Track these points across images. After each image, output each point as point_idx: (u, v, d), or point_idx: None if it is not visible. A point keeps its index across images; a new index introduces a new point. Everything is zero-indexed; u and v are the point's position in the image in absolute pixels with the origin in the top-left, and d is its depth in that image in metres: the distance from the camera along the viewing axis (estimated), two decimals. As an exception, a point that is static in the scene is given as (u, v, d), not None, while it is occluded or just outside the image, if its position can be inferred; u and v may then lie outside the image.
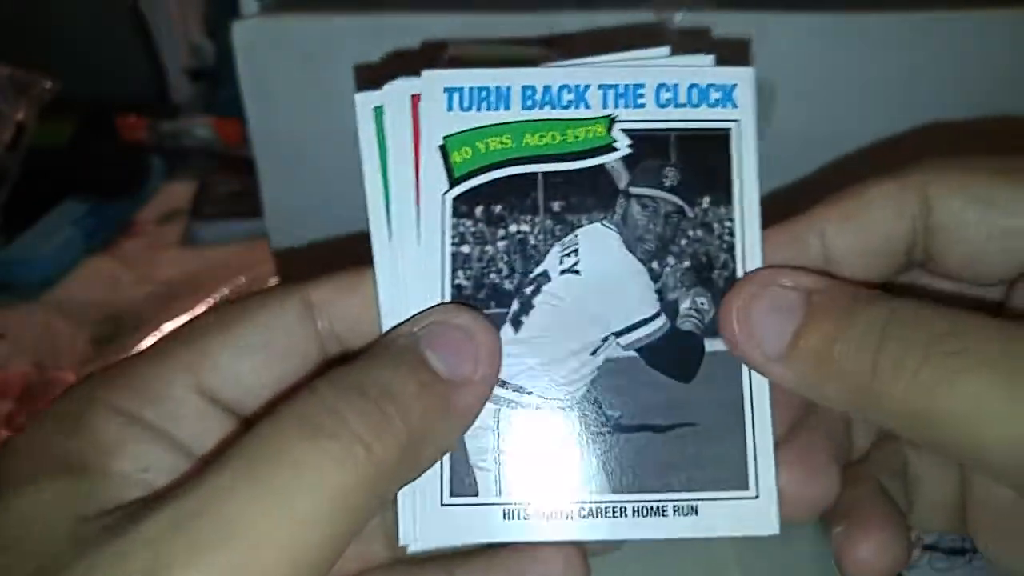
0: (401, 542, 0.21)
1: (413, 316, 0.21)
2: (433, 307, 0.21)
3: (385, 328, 0.21)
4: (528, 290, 0.22)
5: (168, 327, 0.56)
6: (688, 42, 0.23)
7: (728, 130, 0.22)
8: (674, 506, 0.21)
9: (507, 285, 0.22)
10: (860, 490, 0.22)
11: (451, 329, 0.20)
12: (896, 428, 0.18)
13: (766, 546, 0.37)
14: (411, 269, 0.21)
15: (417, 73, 0.22)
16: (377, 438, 0.17)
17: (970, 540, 0.24)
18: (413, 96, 0.22)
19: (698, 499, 0.21)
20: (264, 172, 0.40)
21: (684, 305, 0.22)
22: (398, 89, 0.22)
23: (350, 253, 0.22)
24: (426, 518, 0.21)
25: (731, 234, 0.22)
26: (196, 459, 0.19)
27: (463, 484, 0.21)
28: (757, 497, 0.21)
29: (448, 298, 0.21)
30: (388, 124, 0.22)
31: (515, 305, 0.22)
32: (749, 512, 0.21)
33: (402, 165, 0.22)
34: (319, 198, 0.40)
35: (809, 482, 0.21)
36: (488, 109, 0.22)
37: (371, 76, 0.22)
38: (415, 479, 0.20)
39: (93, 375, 0.20)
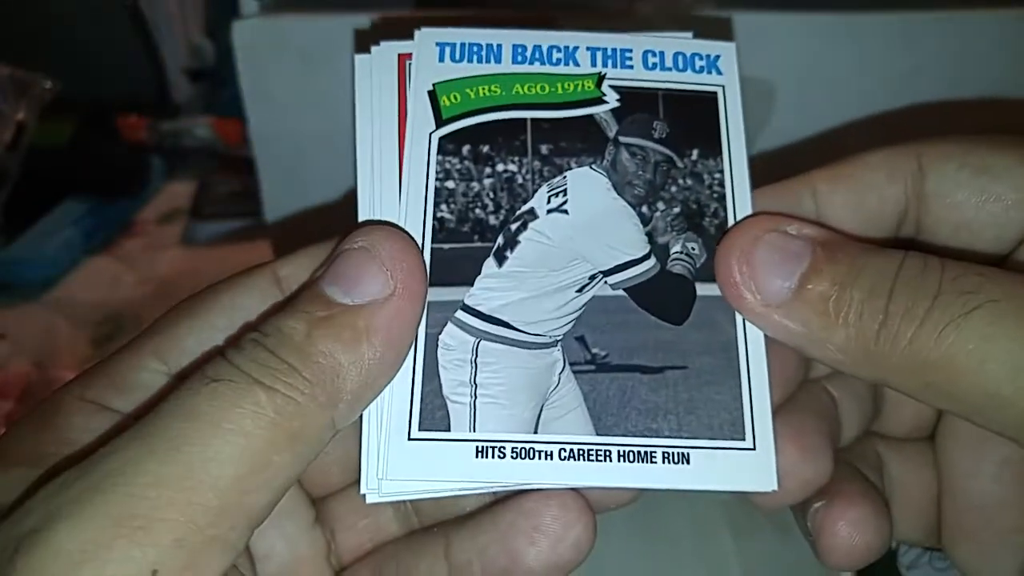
0: (361, 490, 0.20)
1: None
2: (341, 237, 0.20)
3: None
4: (514, 226, 0.22)
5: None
6: (669, 23, 0.24)
7: (715, 92, 0.23)
8: (664, 453, 0.20)
9: (492, 220, 0.22)
10: (839, 472, 0.21)
11: (352, 253, 0.19)
12: (899, 382, 0.18)
13: (766, 546, 0.37)
14: (390, 208, 0.21)
15: (409, 36, 0.22)
16: (274, 379, 0.17)
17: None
18: (400, 55, 0.22)
19: (690, 447, 0.20)
20: (264, 172, 0.40)
21: (675, 249, 0.22)
22: (386, 48, 0.22)
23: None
24: (391, 455, 0.20)
25: (721, 185, 0.22)
26: None
27: (434, 418, 0.20)
28: (754, 449, 0.20)
29: (429, 230, 0.21)
30: (375, 79, 0.22)
31: (500, 240, 0.22)
32: (746, 465, 0.20)
33: (387, 116, 0.22)
34: (319, 198, 0.40)
35: (804, 461, 0.20)
36: (479, 62, 0.22)
37: (369, 40, 0.22)
38: (354, 412, 0.19)
39: (78, 375, 0.20)
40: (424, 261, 0.20)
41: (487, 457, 0.20)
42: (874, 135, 0.38)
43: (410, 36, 0.23)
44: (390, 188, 0.22)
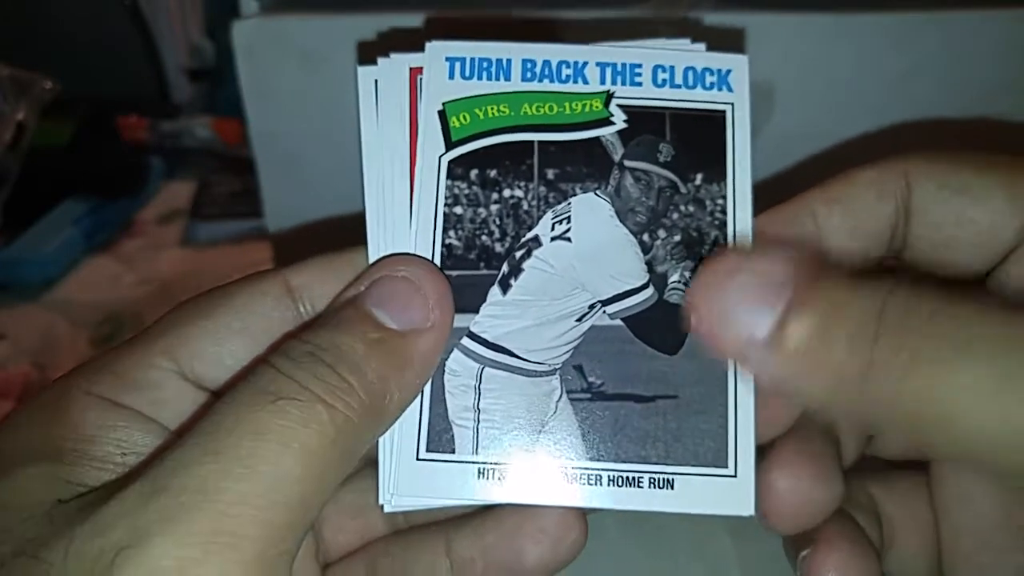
0: (379, 501, 0.21)
1: (360, 273, 0.21)
2: (376, 261, 0.21)
3: None
4: (519, 254, 0.22)
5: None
6: (680, 31, 0.24)
7: (723, 112, 0.22)
8: (650, 478, 0.21)
9: (498, 248, 0.22)
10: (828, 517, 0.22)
11: (397, 281, 0.20)
12: (886, 424, 0.18)
13: (766, 546, 0.37)
14: (401, 231, 0.22)
15: (420, 48, 0.22)
16: (336, 398, 0.18)
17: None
18: (412, 69, 0.22)
19: (675, 472, 0.21)
20: (264, 172, 0.40)
21: (672, 278, 0.22)
22: (396, 61, 0.22)
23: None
24: (401, 473, 0.21)
25: (723, 212, 0.22)
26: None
27: (440, 440, 0.21)
28: (735, 476, 0.21)
29: (438, 257, 0.22)
30: (383, 94, 0.22)
31: (505, 267, 0.22)
32: (726, 491, 0.21)
33: (398, 135, 0.22)
34: (319, 198, 0.40)
35: (817, 485, 0.21)
36: (488, 79, 0.22)
37: (372, 52, 0.22)
38: (383, 433, 0.20)
39: (76, 368, 0.20)
40: (451, 295, 0.21)
41: (488, 479, 0.21)
42: (869, 150, 0.38)
43: (419, 47, 0.23)
44: (401, 206, 0.22)
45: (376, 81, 0.22)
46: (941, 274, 0.21)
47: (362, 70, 0.22)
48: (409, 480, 0.21)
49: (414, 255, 0.21)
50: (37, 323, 0.56)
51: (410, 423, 0.21)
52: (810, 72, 0.37)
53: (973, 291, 0.18)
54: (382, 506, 0.21)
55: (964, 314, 0.16)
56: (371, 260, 0.21)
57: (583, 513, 0.22)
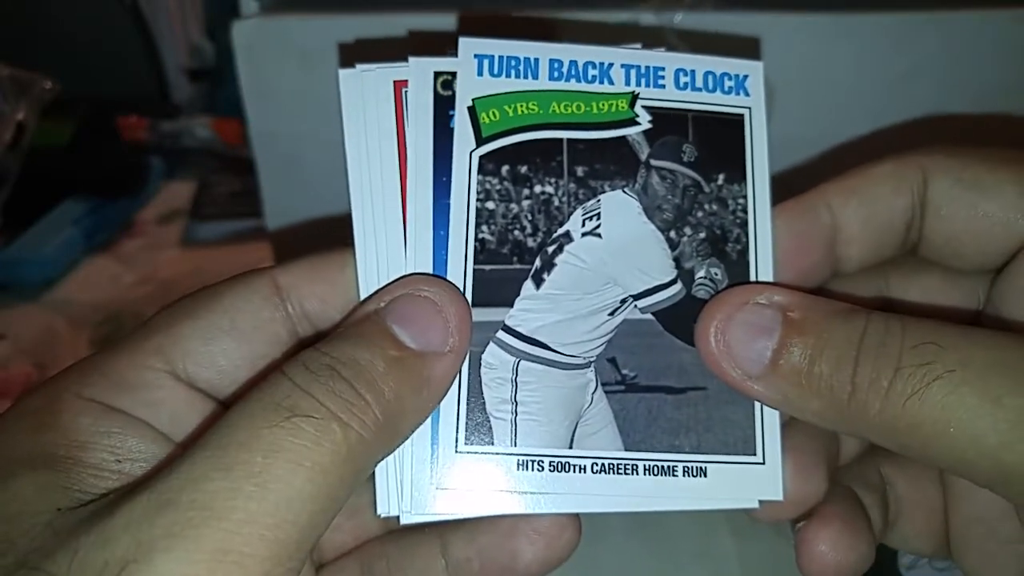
0: (391, 513, 0.21)
1: (379, 288, 0.21)
2: (398, 279, 0.21)
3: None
4: (551, 249, 0.22)
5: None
6: (699, 41, 0.24)
7: (742, 115, 0.23)
8: (684, 467, 0.21)
9: (530, 242, 0.22)
10: (830, 492, 0.22)
11: (419, 300, 0.20)
12: (879, 441, 0.19)
13: (766, 546, 0.37)
14: (393, 241, 0.22)
15: (402, 59, 0.23)
16: (351, 416, 0.17)
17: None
18: (396, 82, 0.22)
19: (707, 461, 0.21)
20: (264, 172, 0.40)
21: (699, 274, 0.22)
22: (381, 74, 0.22)
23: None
24: (441, 466, 0.21)
25: (744, 211, 0.23)
26: (175, 446, 0.19)
27: (479, 432, 0.21)
28: (763, 463, 0.22)
29: (471, 252, 0.22)
30: (369, 106, 0.22)
31: (537, 262, 0.22)
32: (755, 478, 0.22)
33: (386, 147, 0.22)
34: (319, 198, 0.40)
35: (798, 479, 0.21)
36: (517, 77, 0.23)
37: (354, 55, 0.22)
38: (392, 452, 0.20)
39: (65, 370, 0.20)
40: (471, 320, 0.21)
41: (527, 470, 0.21)
42: (868, 150, 0.38)
43: (402, 58, 0.22)
44: (392, 215, 0.22)
45: (361, 91, 0.22)
46: (956, 267, 0.22)
47: (343, 73, 0.22)
48: (448, 473, 0.21)
49: (437, 276, 0.21)
50: (37, 323, 0.56)
51: (448, 415, 0.21)
52: (810, 72, 0.37)
53: (953, 320, 0.18)
54: (396, 518, 0.21)
55: (935, 344, 0.17)
56: (359, 266, 0.21)
57: (576, 515, 0.22)
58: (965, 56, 0.37)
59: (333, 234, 0.40)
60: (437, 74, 0.22)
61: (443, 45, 0.23)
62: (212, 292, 0.21)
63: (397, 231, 0.22)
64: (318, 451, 0.17)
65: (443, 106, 0.22)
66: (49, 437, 0.18)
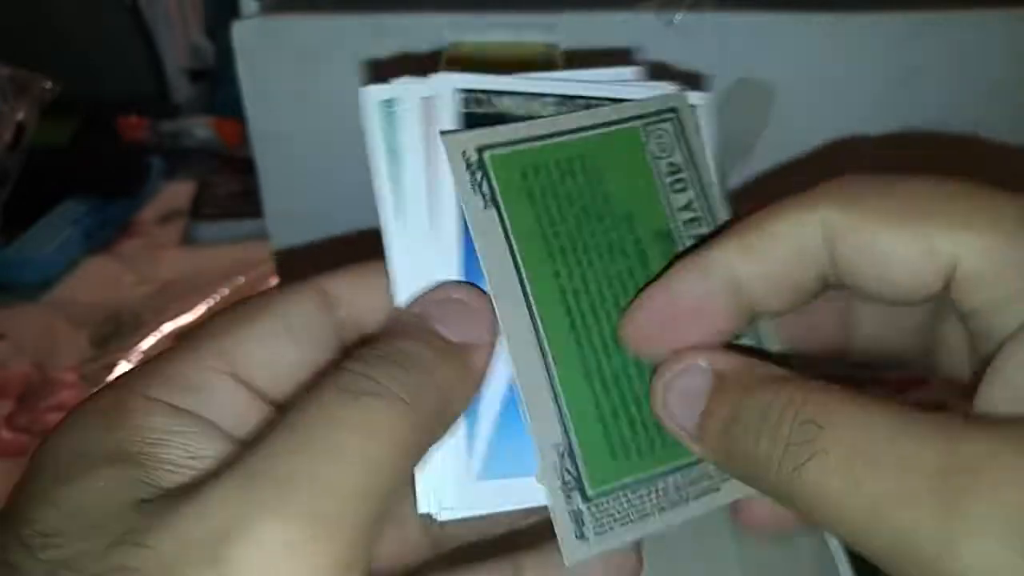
0: (426, 510, 0.21)
1: (415, 297, 0.22)
2: (431, 287, 0.22)
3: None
4: None
5: (168, 327, 0.56)
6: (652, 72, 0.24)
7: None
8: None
9: None
10: None
11: (452, 302, 0.21)
12: (789, 508, 0.19)
13: (766, 546, 0.37)
14: (427, 251, 0.22)
15: (425, 74, 0.23)
16: (411, 395, 0.18)
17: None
18: (423, 99, 0.22)
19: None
20: (264, 172, 0.40)
21: None
22: (411, 90, 0.22)
23: (351, 252, 0.22)
24: (476, 458, 0.21)
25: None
26: (238, 444, 0.20)
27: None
28: None
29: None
30: (400, 121, 0.22)
31: None
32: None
33: (415, 162, 0.22)
34: (319, 198, 0.40)
35: None
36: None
37: (378, 72, 0.22)
38: (443, 436, 0.20)
39: (127, 372, 0.21)
40: (496, 317, 0.22)
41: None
42: (867, 150, 0.38)
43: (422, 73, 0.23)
44: (421, 223, 0.22)
45: (382, 103, 0.22)
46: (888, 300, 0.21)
47: (364, 90, 0.22)
48: (485, 464, 0.21)
49: (464, 282, 0.22)
50: (37, 323, 0.56)
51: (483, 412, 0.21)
52: (810, 72, 0.37)
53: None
54: (432, 517, 0.21)
55: (814, 423, 0.18)
56: (394, 277, 0.22)
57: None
58: (965, 56, 0.37)
59: (334, 233, 0.40)
60: (458, 90, 0.23)
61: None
62: (263, 299, 0.22)
63: (426, 242, 0.22)
64: (388, 424, 0.18)
65: (465, 122, 0.22)
66: (122, 435, 0.19)
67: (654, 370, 0.21)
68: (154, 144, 0.73)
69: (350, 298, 0.22)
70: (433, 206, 0.22)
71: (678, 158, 0.23)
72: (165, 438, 0.19)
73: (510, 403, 0.22)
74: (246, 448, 0.18)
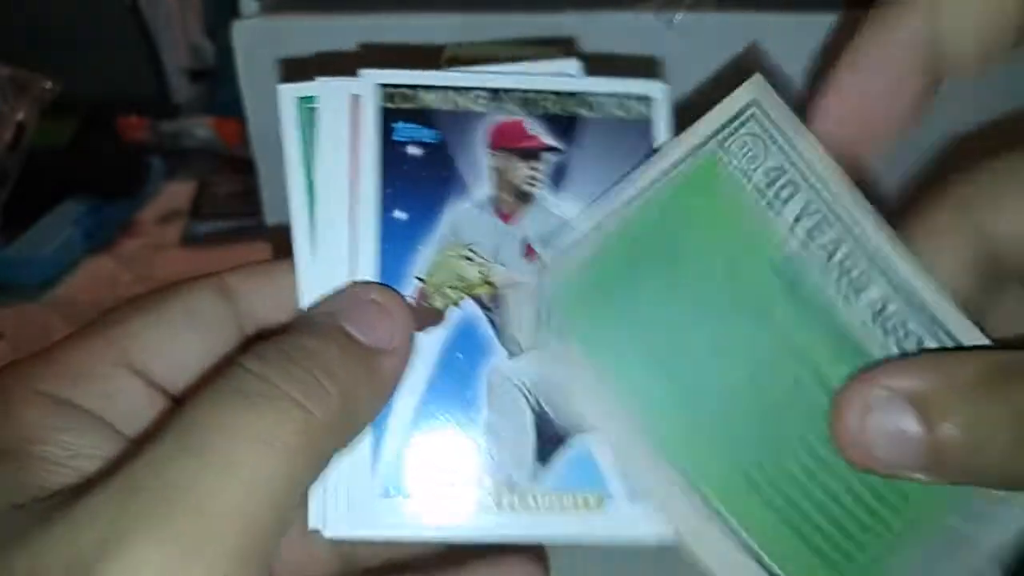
0: (318, 526, 0.20)
1: (327, 295, 0.21)
2: (344, 286, 0.21)
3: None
4: None
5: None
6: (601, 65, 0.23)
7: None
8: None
9: None
10: None
11: (366, 303, 0.20)
12: None
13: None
14: (334, 255, 0.21)
15: (352, 73, 0.22)
16: (310, 400, 0.17)
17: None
18: (351, 95, 0.22)
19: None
20: (264, 172, 0.40)
21: None
22: (331, 88, 0.22)
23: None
24: (382, 474, 0.20)
25: None
26: (129, 442, 0.19)
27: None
28: None
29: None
30: (322, 120, 0.22)
31: None
32: None
33: (337, 161, 0.22)
34: (319, 198, 0.40)
35: None
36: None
37: (297, 70, 0.22)
38: (347, 446, 0.19)
39: (15, 361, 0.20)
40: (413, 323, 0.21)
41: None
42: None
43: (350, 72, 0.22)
44: (338, 222, 0.22)
45: (301, 99, 0.22)
46: None
47: (283, 88, 0.22)
48: (395, 480, 0.20)
49: (381, 284, 0.21)
50: (37, 323, 0.56)
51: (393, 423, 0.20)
52: (810, 72, 0.37)
53: None
54: (320, 531, 0.20)
55: None
56: (301, 275, 0.21)
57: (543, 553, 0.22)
58: (965, 56, 0.37)
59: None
60: (382, 86, 0.22)
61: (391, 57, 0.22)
62: (165, 291, 0.21)
63: (341, 241, 0.21)
64: (282, 432, 0.16)
65: (388, 118, 0.22)
66: (0, 431, 0.18)
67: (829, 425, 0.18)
68: (154, 144, 0.72)
69: (254, 294, 0.22)
70: (352, 207, 0.22)
71: (776, 158, 0.19)
72: (43, 434, 0.18)
73: (423, 417, 0.20)
74: (130, 453, 0.17)
